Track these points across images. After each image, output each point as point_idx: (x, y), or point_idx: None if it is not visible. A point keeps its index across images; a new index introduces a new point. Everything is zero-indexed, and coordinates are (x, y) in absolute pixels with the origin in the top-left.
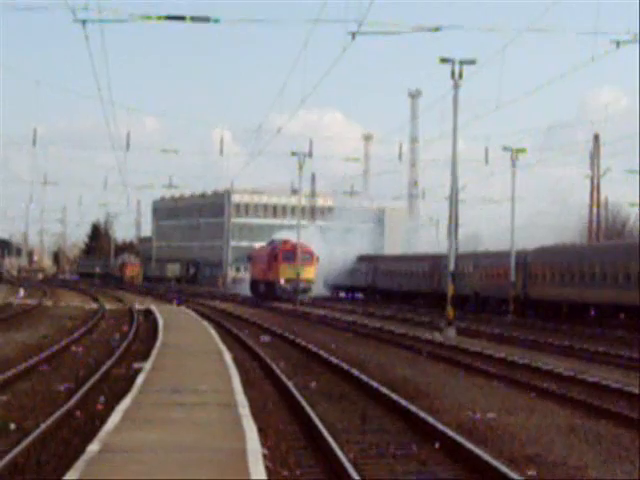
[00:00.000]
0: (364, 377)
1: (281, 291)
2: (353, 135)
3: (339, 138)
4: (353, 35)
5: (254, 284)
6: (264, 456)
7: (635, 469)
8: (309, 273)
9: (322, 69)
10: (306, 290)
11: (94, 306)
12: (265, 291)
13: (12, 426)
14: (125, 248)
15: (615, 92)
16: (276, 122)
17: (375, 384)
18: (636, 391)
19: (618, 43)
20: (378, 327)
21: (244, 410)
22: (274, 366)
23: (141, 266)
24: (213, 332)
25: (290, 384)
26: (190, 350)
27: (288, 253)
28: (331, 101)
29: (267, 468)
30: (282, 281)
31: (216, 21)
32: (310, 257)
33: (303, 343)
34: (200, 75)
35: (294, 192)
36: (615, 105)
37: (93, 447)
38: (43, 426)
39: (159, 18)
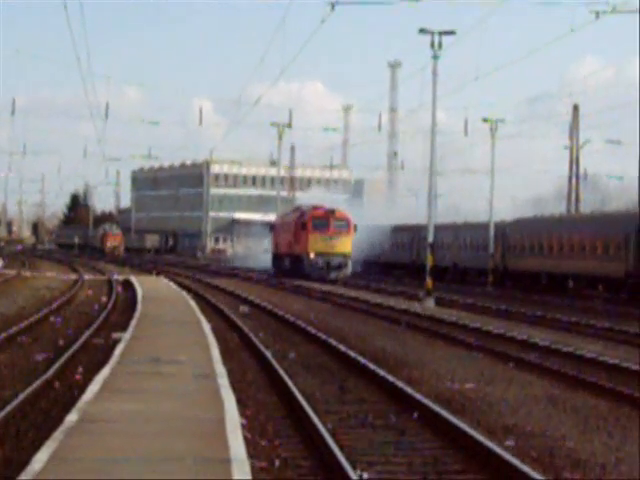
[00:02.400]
0: (343, 347)
1: (310, 267)
2: (333, 106)
3: (319, 109)
4: (332, 5)
5: (277, 258)
6: (242, 426)
7: (612, 439)
8: (345, 245)
9: (302, 39)
10: (341, 266)
11: (73, 277)
12: (290, 267)
13: None
14: (104, 219)
15: (597, 63)
16: (256, 92)
17: (353, 354)
18: (613, 361)
19: (597, 14)
20: (354, 297)
21: (223, 380)
22: (252, 335)
23: (123, 236)
24: (192, 303)
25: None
26: (169, 320)
27: (320, 220)
28: (312, 72)
29: (245, 438)
30: (312, 255)
31: None
32: (346, 225)
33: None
34: (181, 45)
35: (273, 163)
36: (596, 76)
37: (72, 417)
38: (22, 396)
39: None
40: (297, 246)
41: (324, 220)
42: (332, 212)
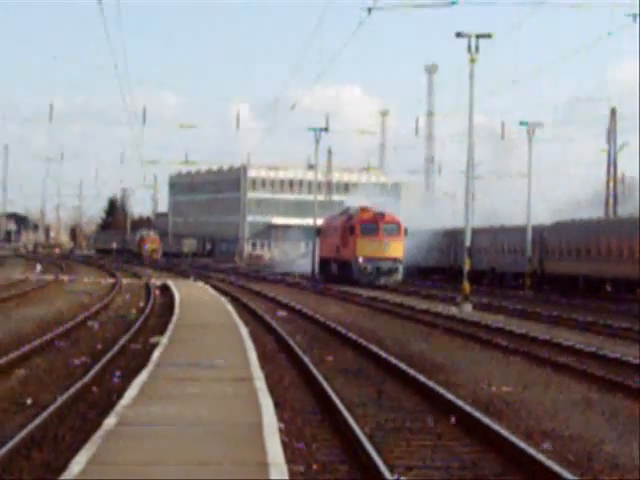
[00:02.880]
0: (381, 352)
1: (359, 273)
2: (371, 109)
3: (356, 112)
4: (369, 10)
5: (324, 263)
6: (280, 430)
7: None
8: (396, 250)
9: (339, 43)
10: (391, 271)
11: (110, 281)
12: (338, 272)
13: (29, 401)
14: (142, 224)
15: (635, 66)
16: (293, 96)
17: (391, 358)
18: None
19: (635, 16)
20: (393, 301)
21: (260, 384)
22: (291, 341)
23: (160, 241)
24: (229, 307)
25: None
26: (206, 324)
27: (368, 224)
28: (349, 75)
29: (283, 442)
30: (361, 260)
31: None
32: (397, 228)
33: None
34: (218, 49)
35: (310, 167)
36: (635, 79)
37: (110, 421)
38: (60, 400)
39: None
40: (345, 251)
41: (373, 223)
42: (381, 215)
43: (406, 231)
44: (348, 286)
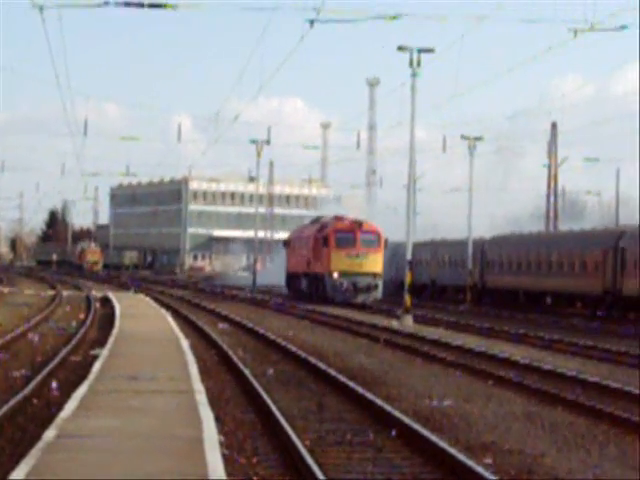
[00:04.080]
0: (322, 365)
1: (333, 289)
2: (313, 123)
3: (299, 125)
4: (311, 22)
5: (292, 279)
6: (221, 443)
7: (590, 457)
8: (375, 263)
9: (281, 56)
10: (370, 288)
11: (51, 293)
12: (309, 289)
13: None
14: (82, 235)
15: (577, 81)
16: (235, 109)
17: (332, 371)
18: (591, 379)
19: (576, 32)
20: (333, 314)
21: (201, 397)
22: (232, 354)
23: (102, 253)
24: (170, 320)
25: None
26: (147, 337)
27: (344, 234)
28: (291, 88)
29: (224, 455)
30: (335, 275)
31: (173, 7)
32: (377, 239)
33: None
34: (160, 62)
35: (252, 179)
36: (576, 93)
37: (50, 433)
38: None
39: (117, 4)
40: (317, 264)
41: (349, 234)
42: (359, 224)
43: (386, 242)
44: (320, 304)
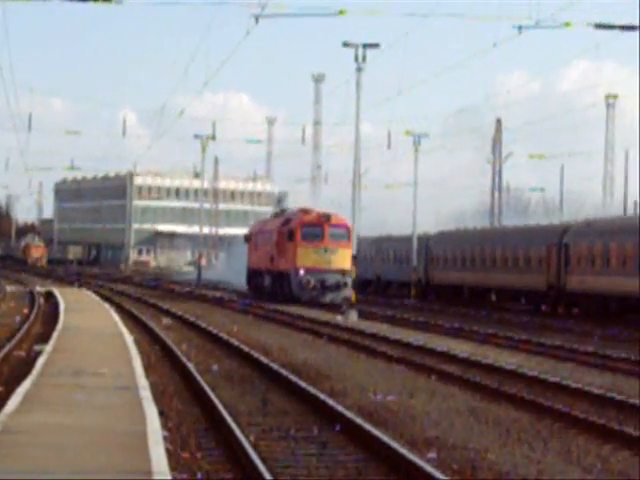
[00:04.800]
0: (267, 360)
1: (300, 288)
2: (258, 118)
3: (244, 121)
4: (256, 18)
5: (254, 276)
6: (164, 438)
7: (533, 451)
8: (345, 259)
9: (227, 51)
10: (340, 286)
11: None
12: (273, 287)
13: None
14: (27, 230)
15: (523, 77)
16: (181, 104)
17: (276, 366)
18: (532, 374)
19: (520, 28)
20: (280, 310)
21: (145, 393)
22: (176, 349)
23: (46, 247)
24: (115, 315)
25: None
26: (92, 333)
27: (311, 228)
28: (237, 83)
29: (167, 450)
30: (302, 272)
31: (119, 2)
32: (346, 233)
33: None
34: (105, 56)
35: (197, 175)
36: (521, 90)
37: None
38: None
39: None
40: (281, 261)
41: (317, 227)
42: (327, 217)
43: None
44: (285, 304)
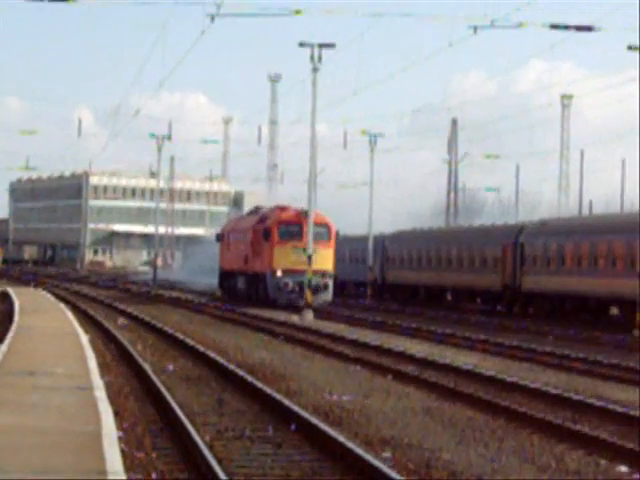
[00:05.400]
0: (223, 360)
1: (276, 290)
2: (215, 118)
3: (201, 120)
4: (212, 17)
5: (227, 278)
6: (119, 439)
7: (488, 450)
8: (326, 259)
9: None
10: (319, 288)
11: None
12: (248, 289)
13: None
14: None
15: (480, 77)
16: (137, 103)
17: (232, 366)
18: (488, 373)
19: (476, 28)
20: (233, 309)
21: (100, 393)
22: (131, 349)
23: (1, 248)
24: (70, 315)
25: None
26: (46, 333)
27: (289, 226)
28: (194, 83)
29: (122, 450)
30: (279, 273)
31: (74, 0)
32: (327, 232)
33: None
34: (62, 55)
35: (153, 174)
36: (478, 90)
37: None
38: None
39: None
40: (257, 261)
41: (295, 225)
42: (306, 214)
43: (337, 235)
44: (261, 308)
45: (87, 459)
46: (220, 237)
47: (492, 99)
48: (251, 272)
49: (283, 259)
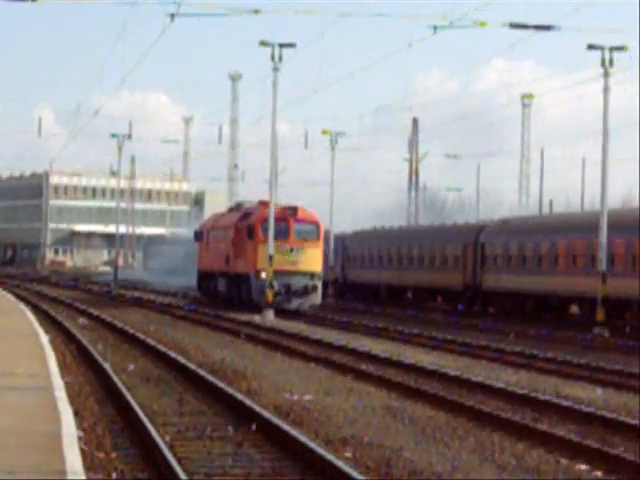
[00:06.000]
0: (183, 360)
1: (260, 293)
2: (176, 117)
3: (162, 120)
4: (172, 16)
5: (206, 279)
6: (79, 439)
7: (448, 449)
8: (314, 260)
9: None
10: (308, 291)
11: None
12: (229, 292)
13: None
14: None
15: (441, 76)
16: (97, 103)
17: (193, 366)
18: (449, 372)
19: (435, 28)
20: (195, 309)
21: (60, 393)
22: (92, 349)
23: None
24: (30, 315)
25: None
26: (5, 332)
27: (275, 224)
28: (155, 82)
29: (82, 450)
30: (263, 274)
31: (34, 0)
32: (315, 230)
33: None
34: (21, 54)
35: (113, 174)
36: (438, 89)
37: None
38: None
39: None
40: (239, 261)
41: (281, 223)
42: (293, 211)
43: (327, 234)
44: (243, 311)
45: (47, 459)
46: (199, 235)
47: (453, 98)
48: (233, 273)
49: (267, 259)
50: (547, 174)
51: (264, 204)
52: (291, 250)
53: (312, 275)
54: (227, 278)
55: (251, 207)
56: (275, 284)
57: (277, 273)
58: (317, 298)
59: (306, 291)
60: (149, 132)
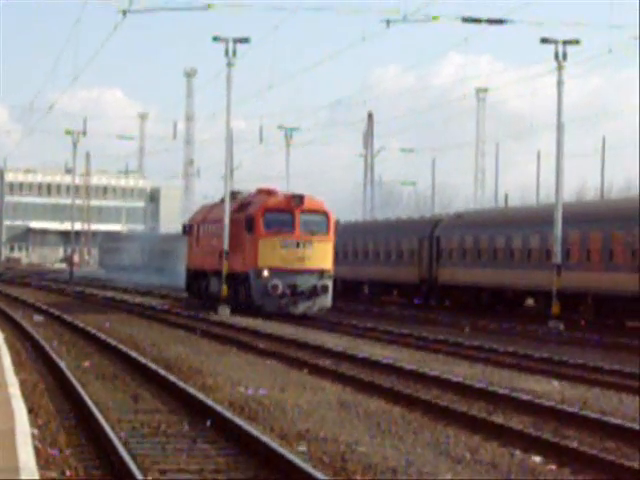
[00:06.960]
0: (138, 356)
1: (262, 294)
2: (131, 113)
3: (117, 116)
4: (124, 12)
5: (197, 278)
6: (33, 436)
7: (403, 443)
8: (324, 255)
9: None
10: (317, 292)
11: None
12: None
13: None
14: None
15: (397, 70)
16: (51, 98)
17: (148, 362)
18: (404, 366)
19: (388, 22)
20: (151, 305)
21: (14, 390)
22: (47, 346)
23: None
24: None
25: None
26: None
27: (277, 215)
28: (110, 78)
29: (36, 448)
30: (265, 273)
31: None
32: (325, 221)
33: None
34: None
35: (69, 171)
36: (394, 83)
37: None
38: None
39: None
40: (237, 259)
41: (285, 214)
42: (298, 200)
43: (337, 225)
44: (245, 315)
45: (0, 456)
46: (188, 229)
47: (410, 92)
48: (229, 272)
49: (270, 256)
50: (502, 168)
51: (265, 192)
52: (297, 244)
53: (322, 273)
54: (222, 278)
55: (250, 196)
56: (279, 284)
57: (281, 272)
58: (327, 300)
59: (315, 292)
60: (104, 128)
